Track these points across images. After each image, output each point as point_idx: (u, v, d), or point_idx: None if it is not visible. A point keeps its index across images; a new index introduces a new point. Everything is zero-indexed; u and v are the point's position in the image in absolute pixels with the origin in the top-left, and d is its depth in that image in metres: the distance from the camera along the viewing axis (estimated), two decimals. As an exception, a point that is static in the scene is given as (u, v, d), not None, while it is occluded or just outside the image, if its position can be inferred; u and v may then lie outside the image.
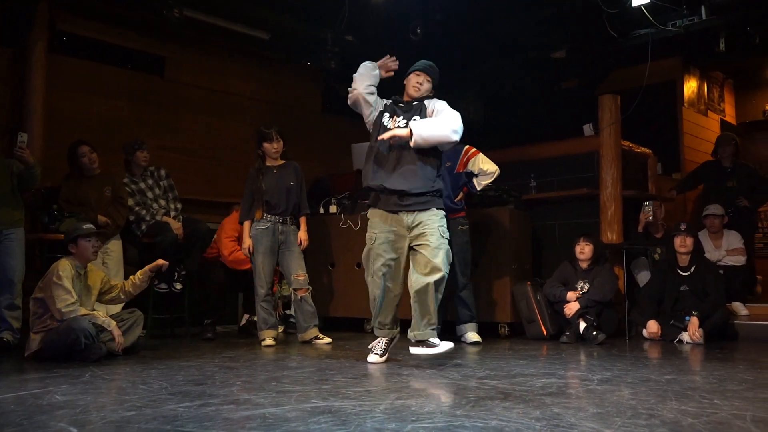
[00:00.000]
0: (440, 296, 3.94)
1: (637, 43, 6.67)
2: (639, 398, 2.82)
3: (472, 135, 6.26)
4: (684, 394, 2.93)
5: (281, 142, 5.27)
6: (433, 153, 4.02)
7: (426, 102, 4.07)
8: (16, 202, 4.93)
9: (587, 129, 6.61)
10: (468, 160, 5.30)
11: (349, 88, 4.14)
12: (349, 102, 4.16)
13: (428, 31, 6.74)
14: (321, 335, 5.24)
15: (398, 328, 4.16)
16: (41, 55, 5.71)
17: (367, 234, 4.08)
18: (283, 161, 5.33)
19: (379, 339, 4.13)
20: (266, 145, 5.25)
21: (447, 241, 3.94)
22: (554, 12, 6.76)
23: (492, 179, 5.33)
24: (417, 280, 3.87)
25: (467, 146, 5.36)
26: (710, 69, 8.78)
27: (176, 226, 5.67)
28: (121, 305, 4.92)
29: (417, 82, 4.10)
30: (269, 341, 5.10)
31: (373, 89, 4.13)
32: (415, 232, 3.93)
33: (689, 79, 8.37)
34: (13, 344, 4.76)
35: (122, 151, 5.79)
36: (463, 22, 6.83)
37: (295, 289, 5.22)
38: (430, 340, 3.92)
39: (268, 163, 5.28)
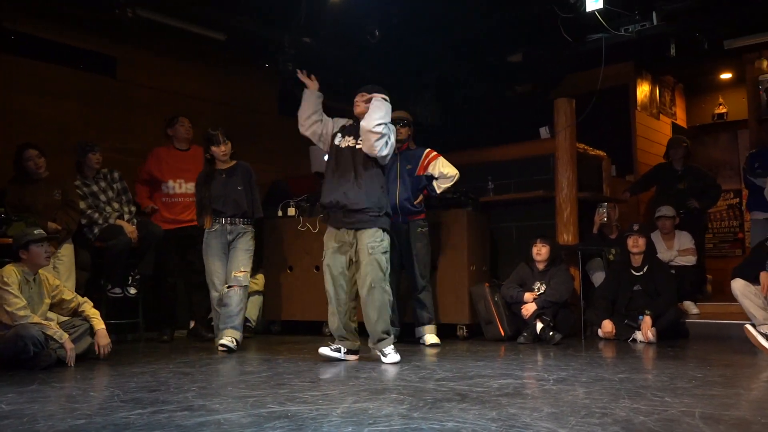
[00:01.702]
0: (382, 302, 4.17)
1: (591, 47, 6.79)
2: (593, 397, 2.87)
3: (430, 138, 6.34)
4: (636, 392, 2.99)
5: (229, 144, 5.19)
6: (376, 167, 4.25)
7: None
8: (-38, 206, 4.77)
9: (543, 132, 6.68)
10: (429, 163, 5.34)
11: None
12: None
13: (385, 33, 6.74)
14: (232, 341, 4.94)
15: (358, 342, 4.39)
16: (-13, 54, 5.54)
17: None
18: (233, 162, 5.26)
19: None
20: (214, 149, 5.16)
21: (380, 251, 4.15)
22: (510, 16, 6.84)
23: (452, 183, 5.38)
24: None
25: (428, 149, 5.40)
26: (662, 73, 8.99)
27: (130, 229, 5.56)
28: None
29: (356, 102, 4.36)
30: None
31: (317, 117, 4.44)
32: (354, 251, 4.21)
33: (642, 83, 8.56)
34: (-43, 353, 4.59)
35: (74, 152, 5.66)
36: (420, 25, 6.86)
37: (228, 286, 5.05)
38: (383, 349, 4.16)
39: (217, 166, 5.21)
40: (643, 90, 8.57)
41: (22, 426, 2.42)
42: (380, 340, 4.20)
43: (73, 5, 6.04)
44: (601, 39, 6.50)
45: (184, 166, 5.87)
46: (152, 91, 6.86)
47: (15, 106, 5.85)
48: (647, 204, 7.67)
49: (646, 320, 5.21)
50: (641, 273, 5.49)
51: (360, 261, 4.17)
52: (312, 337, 5.91)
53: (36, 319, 4.14)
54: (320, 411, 2.62)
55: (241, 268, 5.08)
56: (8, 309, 4.04)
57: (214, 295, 5.13)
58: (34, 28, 6.03)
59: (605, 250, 6.04)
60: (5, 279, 4.11)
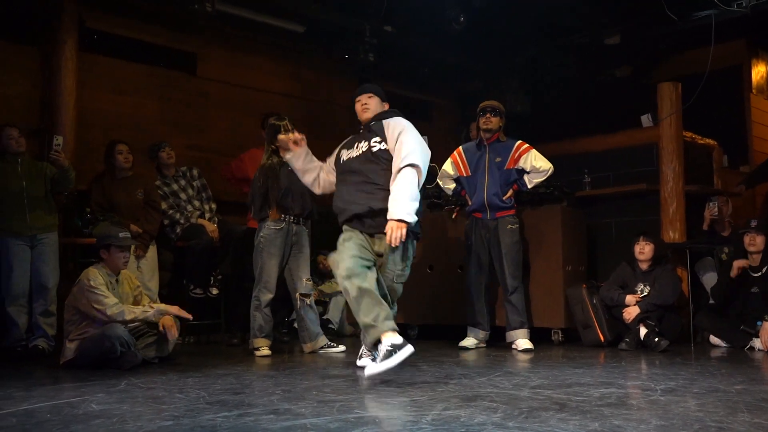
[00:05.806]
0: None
1: (699, 25, 6.54)
2: (707, 410, 2.77)
3: (519, 128, 6.26)
4: (757, 405, 2.86)
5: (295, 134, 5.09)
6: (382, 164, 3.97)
7: (384, 122, 4.04)
8: (50, 206, 5.08)
9: (645, 119, 6.52)
10: (519, 156, 5.26)
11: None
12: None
13: (469, 17, 6.70)
14: (332, 343, 5.15)
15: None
16: (72, 53, 5.83)
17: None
18: None
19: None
20: (281, 138, 4.90)
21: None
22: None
23: (545, 177, 5.28)
24: None
25: (519, 141, 5.32)
26: (780, 52, 8.57)
27: (211, 228, 5.76)
28: None
29: (363, 105, 4.18)
30: (265, 351, 4.97)
31: (318, 167, 4.38)
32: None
33: (757, 64, 8.19)
34: (47, 352, 4.90)
35: (148, 157, 5.91)
36: (507, 7, 6.76)
37: (302, 295, 5.08)
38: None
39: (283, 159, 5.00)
40: (758, 71, 8.18)
41: (112, 426, 2.56)
42: None
43: (153, 2, 6.32)
44: (711, 15, 6.26)
45: None
46: (230, 87, 7.09)
47: (97, 105, 6.17)
48: (765, 197, 7.33)
49: (766, 326, 4.99)
50: (759, 274, 5.25)
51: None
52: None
53: (128, 308, 4.33)
54: (409, 417, 2.64)
55: (309, 275, 5.16)
56: (99, 308, 4.24)
57: (263, 298, 4.99)
58: (115, 26, 6.35)
59: (717, 248, 5.83)
60: (92, 282, 4.33)
